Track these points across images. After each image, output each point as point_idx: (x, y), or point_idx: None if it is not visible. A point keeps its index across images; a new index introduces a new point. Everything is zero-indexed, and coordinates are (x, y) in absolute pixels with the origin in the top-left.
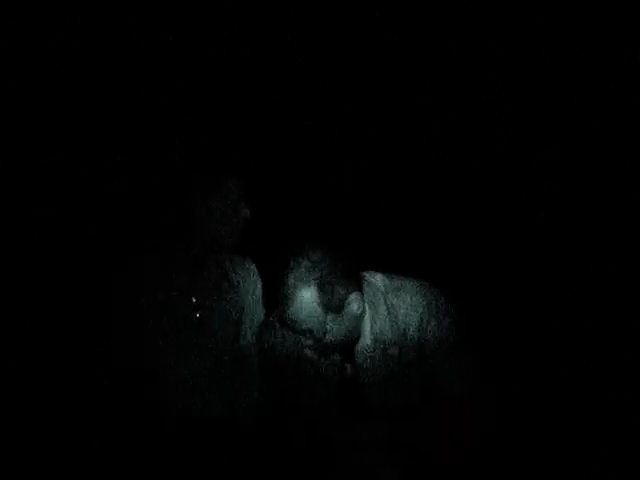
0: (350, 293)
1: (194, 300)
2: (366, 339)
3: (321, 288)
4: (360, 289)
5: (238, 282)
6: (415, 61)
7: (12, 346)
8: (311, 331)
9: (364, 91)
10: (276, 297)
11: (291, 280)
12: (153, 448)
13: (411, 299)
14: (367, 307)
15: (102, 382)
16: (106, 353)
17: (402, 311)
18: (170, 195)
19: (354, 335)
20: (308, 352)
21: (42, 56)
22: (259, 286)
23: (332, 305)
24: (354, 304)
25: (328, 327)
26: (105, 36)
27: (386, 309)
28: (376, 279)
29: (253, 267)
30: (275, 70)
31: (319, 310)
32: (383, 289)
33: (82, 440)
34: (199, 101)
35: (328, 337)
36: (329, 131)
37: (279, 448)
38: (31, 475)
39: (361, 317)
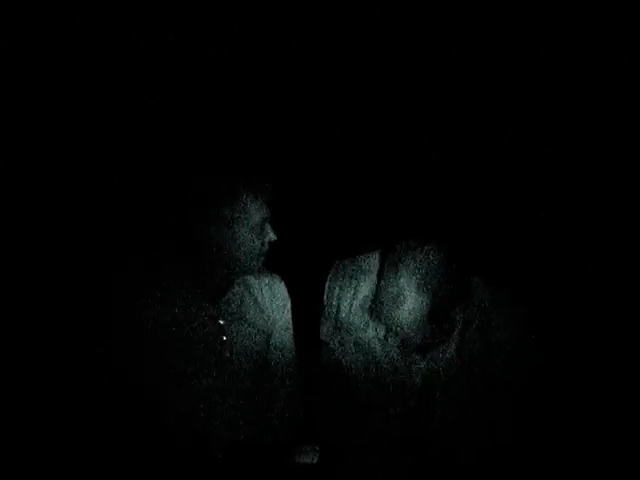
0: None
1: (221, 323)
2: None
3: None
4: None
5: (264, 301)
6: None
7: (12, 346)
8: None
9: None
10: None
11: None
12: (154, 449)
13: (509, 325)
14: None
15: (102, 382)
16: (106, 353)
17: (495, 337)
18: (170, 195)
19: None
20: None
21: (42, 56)
22: (288, 306)
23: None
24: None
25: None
26: (105, 36)
27: (480, 328)
28: (483, 298)
29: (281, 285)
30: (276, 69)
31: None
32: (485, 308)
33: (82, 440)
34: (199, 101)
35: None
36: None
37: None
38: (31, 475)
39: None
